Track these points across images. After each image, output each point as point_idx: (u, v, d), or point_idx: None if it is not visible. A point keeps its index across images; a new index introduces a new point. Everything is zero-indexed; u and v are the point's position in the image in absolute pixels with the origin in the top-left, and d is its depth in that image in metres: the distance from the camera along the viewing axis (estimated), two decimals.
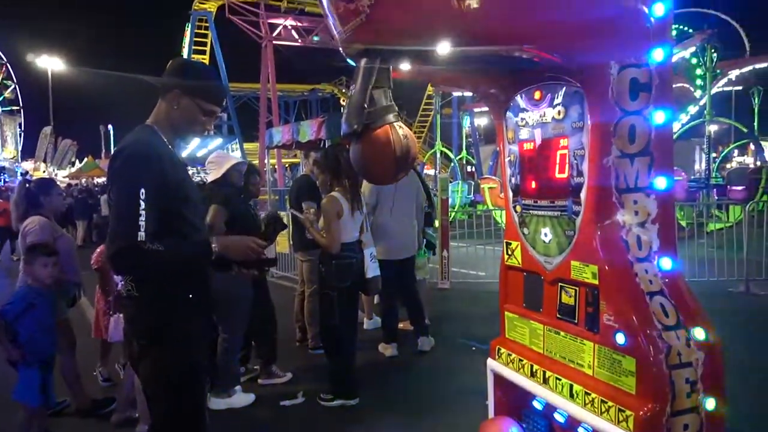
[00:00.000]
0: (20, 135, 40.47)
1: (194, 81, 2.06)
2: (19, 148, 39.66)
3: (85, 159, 34.83)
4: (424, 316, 5.12)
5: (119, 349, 4.06)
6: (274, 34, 25.40)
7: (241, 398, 3.89)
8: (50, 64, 32.61)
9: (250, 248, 2.10)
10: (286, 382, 4.30)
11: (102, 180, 27.99)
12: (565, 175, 1.92)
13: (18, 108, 41.44)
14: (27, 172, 29.90)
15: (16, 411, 3.23)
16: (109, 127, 45.82)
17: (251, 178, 4.31)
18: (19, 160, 37.76)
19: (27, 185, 3.84)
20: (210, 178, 4.01)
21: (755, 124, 17.04)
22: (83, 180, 25.78)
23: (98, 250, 3.76)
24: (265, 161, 13.39)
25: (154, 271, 1.91)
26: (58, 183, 4.03)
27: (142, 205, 1.79)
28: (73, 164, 37.96)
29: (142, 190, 1.80)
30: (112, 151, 2.05)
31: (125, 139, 2.03)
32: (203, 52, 32.74)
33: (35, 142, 39.36)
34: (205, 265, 2.09)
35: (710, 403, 1.71)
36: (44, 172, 32.12)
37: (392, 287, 4.74)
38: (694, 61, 14.31)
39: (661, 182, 1.79)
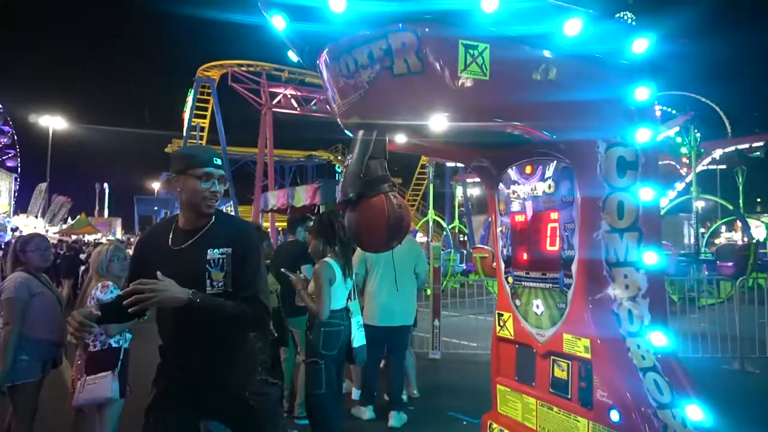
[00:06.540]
0: (15, 190, 40.62)
1: (176, 160, 2.27)
2: (12, 203, 39.67)
3: (78, 216, 34.78)
4: (403, 390, 5.00)
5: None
6: (274, 102, 26.20)
7: None
8: (51, 122, 33.28)
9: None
10: None
11: (93, 238, 27.74)
12: (556, 248, 1.95)
13: (14, 153, 41.99)
14: (17, 228, 29.65)
15: None
16: (105, 185, 46.24)
17: (263, 243, 4.32)
18: (11, 215, 37.62)
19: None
20: None
21: (740, 201, 17.45)
22: (72, 238, 25.60)
23: None
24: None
25: None
26: (41, 236, 3.96)
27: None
28: (65, 221, 37.86)
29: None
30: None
31: None
32: (204, 117, 33.51)
33: (29, 197, 39.46)
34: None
35: None
36: (35, 228, 31.88)
37: (376, 352, 4.65)
38: (678, 140, 14.82)
39: (650, 257, 1.82)
